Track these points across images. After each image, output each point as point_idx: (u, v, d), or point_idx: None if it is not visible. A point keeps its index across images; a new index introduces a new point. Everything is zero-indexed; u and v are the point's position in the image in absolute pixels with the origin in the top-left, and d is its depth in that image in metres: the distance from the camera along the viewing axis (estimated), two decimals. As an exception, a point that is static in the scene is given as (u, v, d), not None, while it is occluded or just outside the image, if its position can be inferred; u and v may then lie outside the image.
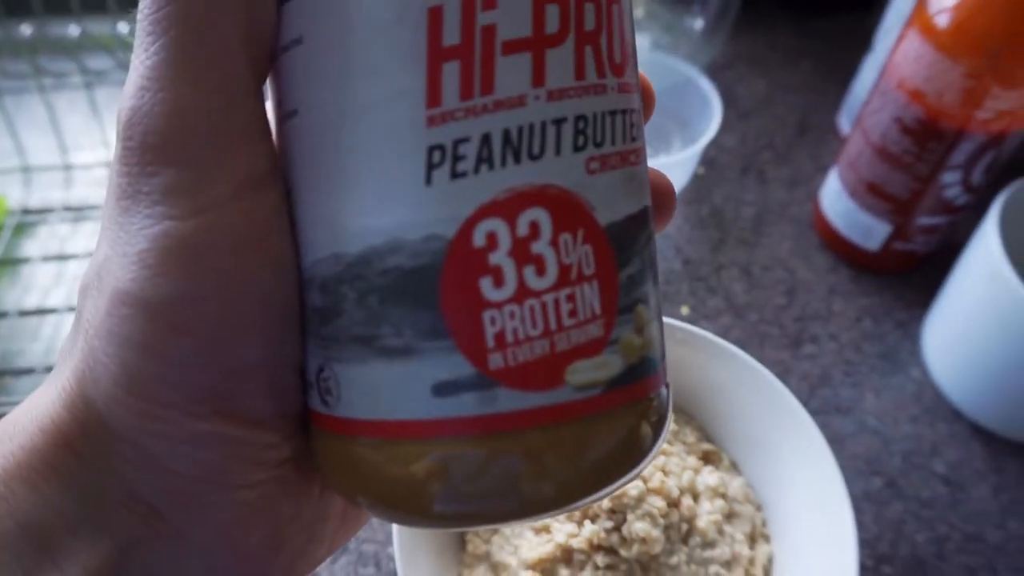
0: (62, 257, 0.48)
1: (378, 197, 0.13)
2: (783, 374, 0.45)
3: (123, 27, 0.53)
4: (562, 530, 0.30)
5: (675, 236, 0.52)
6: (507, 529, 0.32)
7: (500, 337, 0.13)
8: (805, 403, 0.43)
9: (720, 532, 0.31)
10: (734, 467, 0.36)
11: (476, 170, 0.13)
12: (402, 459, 0.14)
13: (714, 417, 0.36)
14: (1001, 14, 0.35)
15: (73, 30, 0.51)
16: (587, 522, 0.30)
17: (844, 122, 0.57)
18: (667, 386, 0.16)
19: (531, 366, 0.13)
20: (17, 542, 0.13)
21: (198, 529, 0.15)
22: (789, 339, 0.46)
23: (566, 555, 0.30)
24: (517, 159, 0.13)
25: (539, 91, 0.13)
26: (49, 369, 0.42)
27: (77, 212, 0.50)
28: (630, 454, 0.15)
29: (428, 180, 0.13)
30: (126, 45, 0.54)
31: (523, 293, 0.13)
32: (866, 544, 0.38)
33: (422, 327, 0.13)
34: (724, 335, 0.45)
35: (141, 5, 0.13)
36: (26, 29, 0.51)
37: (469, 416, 0.13)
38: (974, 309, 0.40)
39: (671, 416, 0.16)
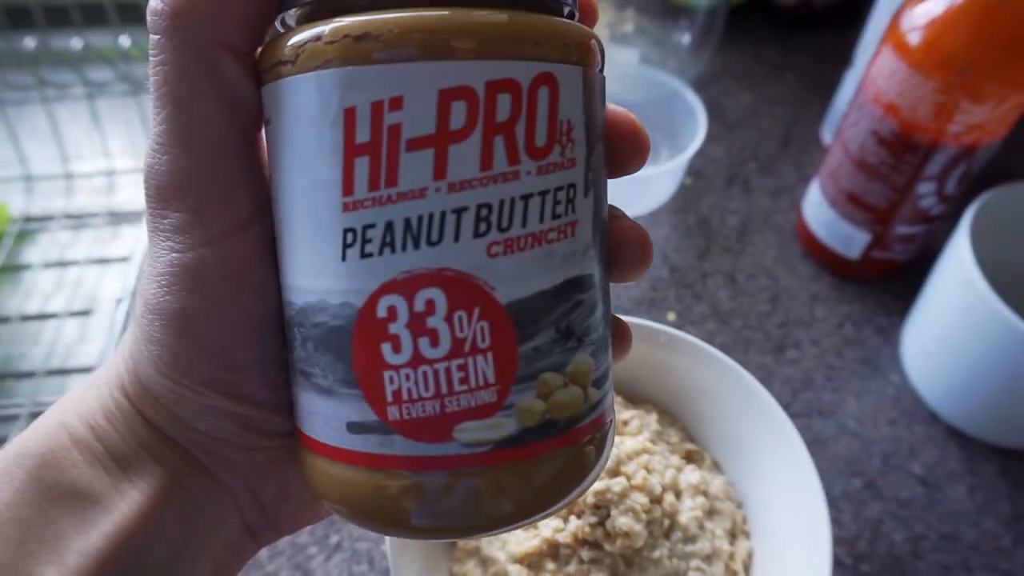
0: (63, 264, 0.49)
1: (310, 264, 0.16)
2: (767, 378, 0.46)
3: (124, 40, 0.55)
4: (548, 525, 0.31)
5: (662, 244, 0.53)
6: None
7: (397, 394, 0.15)
8: (788, 406, 0.45)
9: (701, 528, 0.33)
10: (716, 466, 0.37)
11: (381, 252, 0.15)
12: (328, 471, 0.17)
13: (697, 418, 0.37)
14: (969, 32, 0.37)
15: (75, 43, 0.52)
16: (572, 517, 0.31)
17: (827, 134, 0.59)
18: (592, 441, 0.17)
19: (422, 422, 0.15)
20: (104, 459, 0.18)
21: (225, 475, 0.19)
22: (773, 344, 0.48)
23: (552, 549, 0.31)
24: (416, 244, 0.15)
25: (440, 183, 0.15)
26: (50, 373, 0.44)
27: (77, 220, 0.51)
28: (520, 506, 0.16)
29: (343, 257, 0.15)
30: (127, 57, 0.55)
31: (418, 360, 0.15)
32: (845, 543, 0.39)
33: (339, 375, 0.16)
34: (710, 340, 0.47)
35: (151, 80, 0.16)
36: (29, 41, 0.52)
37: (372, 453, 0.16)
38: (948, 316, 0.41)
39: (596, 470, 0.18)
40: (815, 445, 0.43)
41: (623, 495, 0.31)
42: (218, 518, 0.19)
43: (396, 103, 0.14)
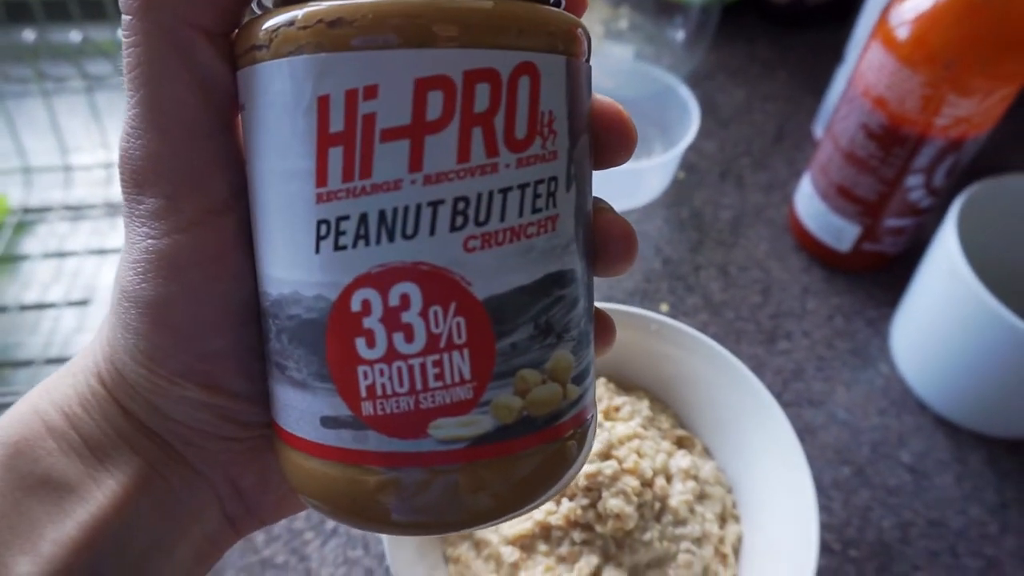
0: (61, 254, 0.49)
1: (284, 255, 0.15)
2: (758, 368, 0.46)
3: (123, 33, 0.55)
4: (541, 508, 0.32)
5: (655, 237, 0.53)
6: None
7: (371, 389, 0.15)
8: (779, 396, 0.45)
9: (691, 511, 0.33)
10: (706, 452, 0.37)
11: (355, 245, 0.15)
12: (303, 466, 0.16)
13: (688, 405, 0.38)
14: (956, 27, 0.37)
15: (74, 36, 0.53)
16: (564, 500, 0.32)
17: (819, 130, 0.60)
18: (573, 436, 0.17)
19: (396, 418, 0.15)
20: (80, 448, 0.17)
21: (203, 465, 0.19)
22: (764, 335, 0.48)
23: (544, 531, 0.32)
24: (391, 238, 0.14)
25: (416, 175, 0.14)
26: (48, 361, 0.44)
27: (76, 211, 0.52)
28: (500, 502, 0.16)
29: (317, 249, 0.15)
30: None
31: (392, 355, 0.15)
32: (834, 529, 0.40)
33: (313, 369, 0.15)
34: (702, 331, 0.47)
35: (124, 62, 0.16)
36: (28, 35, 0.52)
37: (347, 448, 0.16)
38: (936, 307, 0.42)
39: (577, 465, 0.17)
40: (805, 434, 0.44)
41: (614, 478, 0.31)
42: (196, 508, 0.19)
43: (371, 92, 0.14)
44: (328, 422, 0.15)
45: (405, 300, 0.15)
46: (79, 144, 0.54)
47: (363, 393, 0.15)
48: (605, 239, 0.18)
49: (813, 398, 0.45)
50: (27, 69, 0.53)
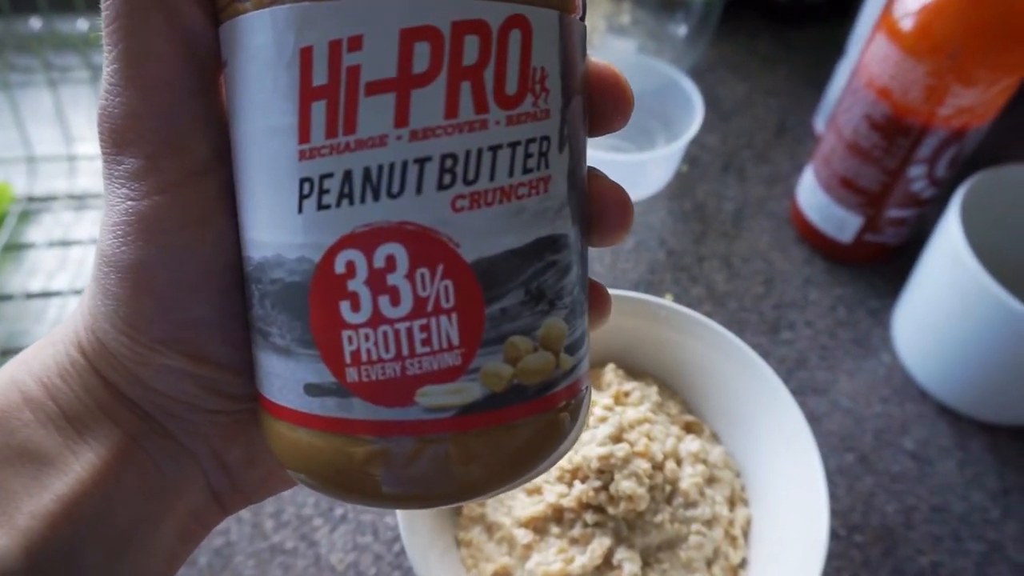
0: (65, 243, 0.49)
1: (267, 217, 0.15)
2: (762, 357, 0.47)
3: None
4: (553, 490, 0.32)
5: (659, 228, 0.54)
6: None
7: (356, 355, 0.14)
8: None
9: (702, 494, 0.33)
10: (715, 437, 0.38)
11: (338, 204, 0.14)
12: (287, 436, 0.16)
13: (696, 391, 0.38)
14: (960, 17, 0.38)
15: (79, 25, 0.53)
16: (576, 482, 0.32)
17: (819, 124, 0.60)
18: (567, 407, 0.16)
19: (382, 384, 0.14)
20: (58, 419, 0.17)
21: (187, 438, 0.18)
22: (767, 325, 0.49)
23: (557, 514, 0.32)
24: (376, 196, 0.14)
25: (401, 131, 0.14)
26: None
27: (80, 200, 0.52)
28: (493, 473, 0.15)
29: (300, 209, 0.14)
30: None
31: (377, 319, 0.14)
32: (839, 515, 0.40)
33: (296, 335, 0.15)
34: (706, 321, 0.48)
35: (102, 16, 0.15)
36: (34, 24, 0.52)
37: (330, 416, 0.15)
38: (939, 295, 0.43)
39: (571, 437, 0.17)
40: (810, 422, 0.44)
41: (626, 460, 0.32)
42: (181, 482, 0.18)
43: (355, 43, 0.13)
44: (312, 389, 0.15)
45: (391, 262, 0.14)
46: (83, 133, 0.54)
47: (348, 359, 0.14)
48: (600, 206, 0.17)
49: (816, 387, 0.46)
50: (32, 58, 0.53)
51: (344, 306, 0.14)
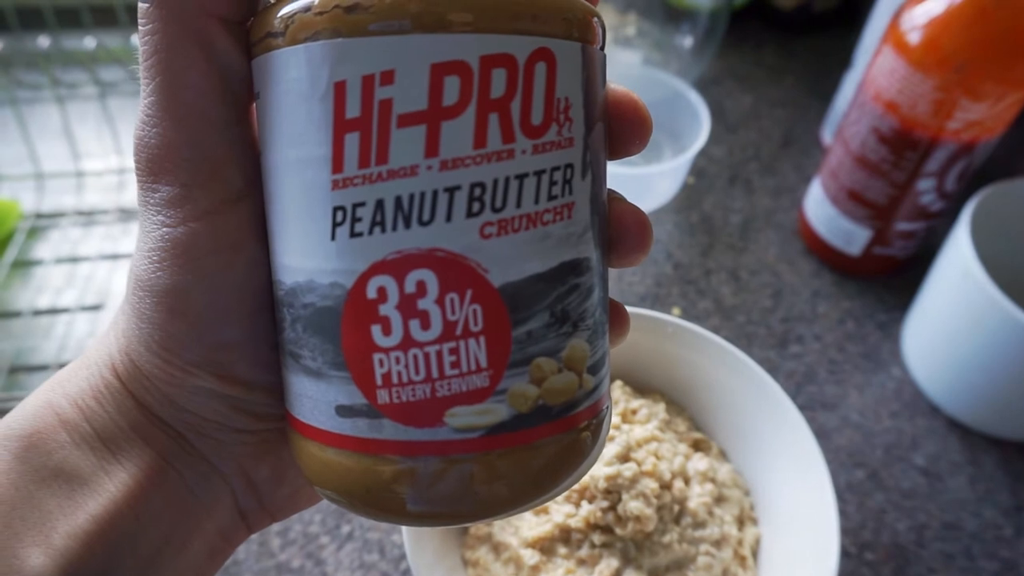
0: (74, 259, 0.49)
1: (299, 243, 0.15)
2: (770, 372, 0.47)
3: (135, 40, 0.55)
4: (560, 510, 0.32)
5: (666, 241, 0.54)
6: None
7: (387, 377, 0.15)
8: (791, 400, 0.45)
9: (710, 513, 0.33)
10: (723, 455, 0.37)
11: (371, 231, 0.14)
12: (318, 456, 0.16)
13: (704, 408, 0.38)
14: (967, 31, 0.38)
15: (87, 42, 0.53)
16: (584, 502, 0.32)
17: (826, 135, 0.60)
18: (588, 427, 0.17)
19: (412, 406, 0.15)
20: (92, 440, 0.17)
21: (217, 458, 0.19)
22: (775, 339, 0.48)
23: (564, 534, 0.32)
24: (407, 224, 0.14)
25: (432, 161, 0.14)
26: (62, 365, 0.44)
27: (88, 216, 0.52)
28: (516, 492, 0.16)
29: (333, 236, 0.15)
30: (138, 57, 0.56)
31: (408, 343, 0.15)
32: (850, 532, 0.40)
33: (328, 357, 0.15)
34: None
35: (140, 50, 0.16)
36: (42, 41, 0.52)
37: (360, 437, 0.15)
38: (949, 309, 0.42)
39: (593, 456, 0.17)
40: (819, 437, 0.44)
41: (634, 480, 0.31)
42: (210, 501, 0.19)
43: (387, 77, 0.14)
44: (343, 411, 0.15)
45: (421, 287, 0.15)
46: (91, 150, 0.55)
47: (379, 381, 0.15)
48: (620, 228, 0.18)
49: (826, 401, 0.46)
50: (40, 75, 0.53)
51: (376, 330, 0.15)
